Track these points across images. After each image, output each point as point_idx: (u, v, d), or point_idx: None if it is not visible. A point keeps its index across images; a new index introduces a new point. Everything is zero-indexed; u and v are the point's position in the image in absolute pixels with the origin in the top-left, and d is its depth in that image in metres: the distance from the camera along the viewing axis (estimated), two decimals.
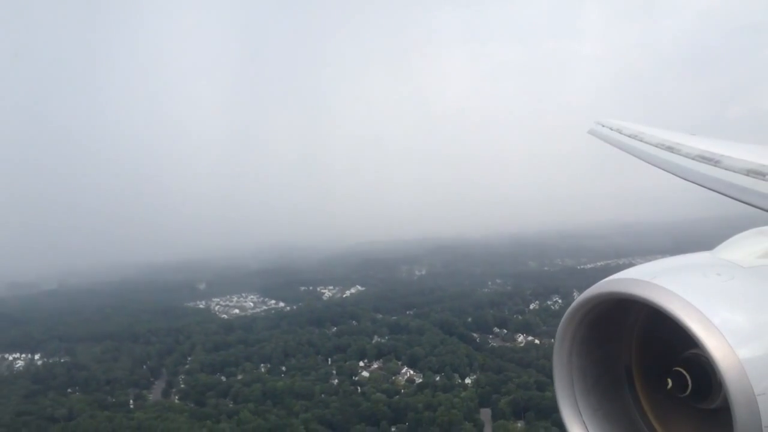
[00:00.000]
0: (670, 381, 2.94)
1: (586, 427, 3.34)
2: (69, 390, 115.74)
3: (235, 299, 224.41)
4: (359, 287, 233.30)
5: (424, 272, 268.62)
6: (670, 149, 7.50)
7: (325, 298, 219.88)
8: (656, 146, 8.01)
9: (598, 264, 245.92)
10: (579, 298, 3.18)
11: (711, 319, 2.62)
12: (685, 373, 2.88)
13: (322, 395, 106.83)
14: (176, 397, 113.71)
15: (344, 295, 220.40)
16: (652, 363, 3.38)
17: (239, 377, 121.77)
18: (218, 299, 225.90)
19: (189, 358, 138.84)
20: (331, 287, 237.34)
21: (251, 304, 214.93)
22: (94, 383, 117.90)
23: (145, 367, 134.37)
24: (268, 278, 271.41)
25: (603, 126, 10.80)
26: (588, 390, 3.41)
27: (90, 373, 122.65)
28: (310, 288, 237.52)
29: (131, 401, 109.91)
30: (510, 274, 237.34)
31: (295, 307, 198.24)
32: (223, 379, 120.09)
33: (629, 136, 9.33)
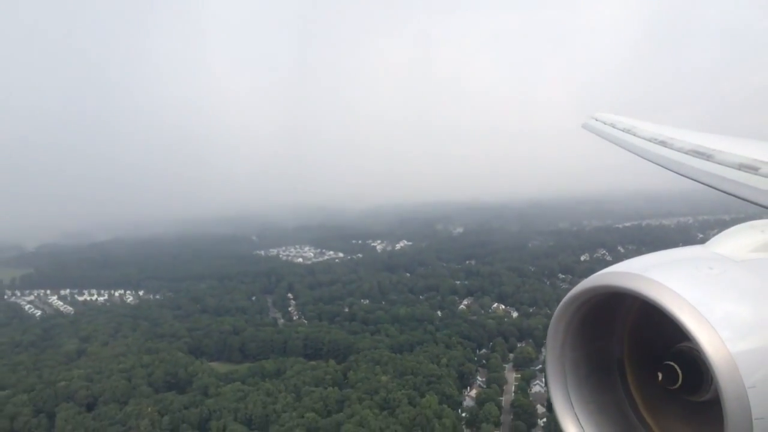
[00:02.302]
0: (660, 374, 2.99)
1: (578, 419, 3.43)
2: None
3: (293, 250, 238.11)
4: (406, 242, 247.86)
5: (461, 230, 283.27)
6: (662, 143, 7.63)
7: (378, 250, 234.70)
8: (649, 140, 8.13)
9: (627, 224, 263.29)
10: (572, 291, 3.26)
11: (703, 313, 2.64)
12: (676, 365, 2.92)
13: (436, 322, 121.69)
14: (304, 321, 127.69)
15: (396, 248, 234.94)
16: (644, 356, 3.47)
17: (346, 310, 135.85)
18: (277, 249, 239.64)
19: (289, 294, 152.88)
20: (380, 241, 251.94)
21: (311, 254, 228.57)
22: (223, 310, 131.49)
23: (253, 299, 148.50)
24: (312, 232, 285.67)
25: (597, 120, 11.02)
26: (580, 382, 3.49)
27: (216, 303, 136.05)
28: (360, 242, 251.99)
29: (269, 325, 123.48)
30: (547, 232, 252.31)
31: (359, 256, 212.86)
32: (344, 309, 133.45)
33: (622, 131, 9.48)
